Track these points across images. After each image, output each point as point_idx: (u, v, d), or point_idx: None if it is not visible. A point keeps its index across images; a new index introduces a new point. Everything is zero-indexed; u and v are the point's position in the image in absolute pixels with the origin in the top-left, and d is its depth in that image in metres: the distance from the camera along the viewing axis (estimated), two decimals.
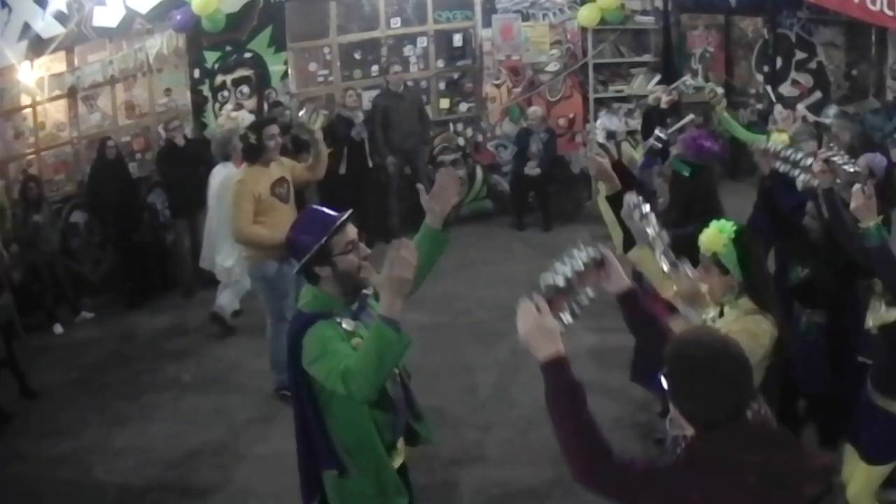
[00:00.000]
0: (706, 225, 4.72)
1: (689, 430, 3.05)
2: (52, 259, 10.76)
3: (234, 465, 7.35)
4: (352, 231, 4.26)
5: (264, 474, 7.07)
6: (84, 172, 11.61)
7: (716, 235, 4.56)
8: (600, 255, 3.62)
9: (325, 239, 4.15)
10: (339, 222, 4.21)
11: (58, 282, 10.85)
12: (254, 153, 7.97)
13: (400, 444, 4.58)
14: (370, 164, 12.62)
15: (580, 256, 3.56)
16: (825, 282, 5.86)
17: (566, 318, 3.42)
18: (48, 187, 11.32)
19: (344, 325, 4.15)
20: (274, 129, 8.14)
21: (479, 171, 14.02)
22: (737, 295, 4.56)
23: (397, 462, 4.52)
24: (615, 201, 5.47)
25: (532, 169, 13.09)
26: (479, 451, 7.24)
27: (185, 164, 11.28)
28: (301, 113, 8.29)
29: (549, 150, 13.25)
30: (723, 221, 4.65)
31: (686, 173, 5.91)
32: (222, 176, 9.58)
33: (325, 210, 4.37)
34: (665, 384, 3.02)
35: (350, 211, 4.33)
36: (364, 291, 4.33)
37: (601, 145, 8.14)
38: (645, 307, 3.90)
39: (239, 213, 7.82)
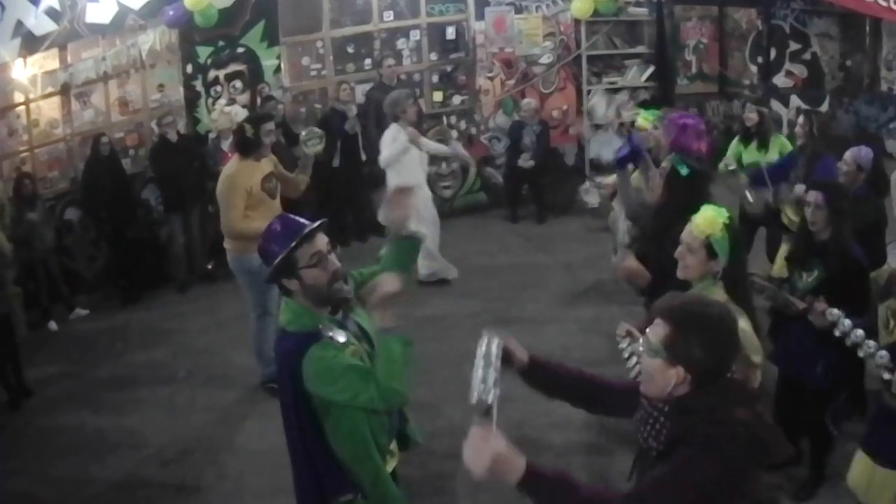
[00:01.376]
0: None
1: (683, 389, 3.14)
2: (47, 256, 10.74)
3: (230, 460, 7.38)
4: (321, 242, 4.16)
5: (260, 470, 7.07)
6: (78, 169, 11.58)
7: (713, 218, 4.64)
8: (501, 341, 3.74)
9: (287, 251, 4.07)
10: (304, 233, 4.12)
11: (52, 279, 10.83)
12: (248, 147, 7.93)
13: (393, 446, 4.55)
14: (364, 157, 12.61)
15: (494, 355, 3.66)
16: (836, 281, 5.76)
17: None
18: (42, 185, 11.26)
19: (336, 338, 4.11)
20: (271, 125, 8.16)
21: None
22: (714, 282, 4.61)
23: (391, 465, 4.50)
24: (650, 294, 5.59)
25: (526, 161, 13.08)
26: None
27: (179, 160, 11.30)
28: (303, 134, 8.34)
29: (543, 142, 13.25)
30: (716, 207, 4.72)
31: (683, 172, 5.91)
32: (390, 137, 10.05)
33: (296, 219, 4.29)
34: (660, 338, 3.14)
35: (321, 221, 4.26)
36: (345, 297, 4.25)
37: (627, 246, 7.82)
38: (551, 367, 3.99)
39: (231, 209, 7.82)
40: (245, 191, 7.78)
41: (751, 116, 9.58)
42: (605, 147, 13.96)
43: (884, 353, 4.99)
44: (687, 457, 3.04)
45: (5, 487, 7.27)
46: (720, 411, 3.06)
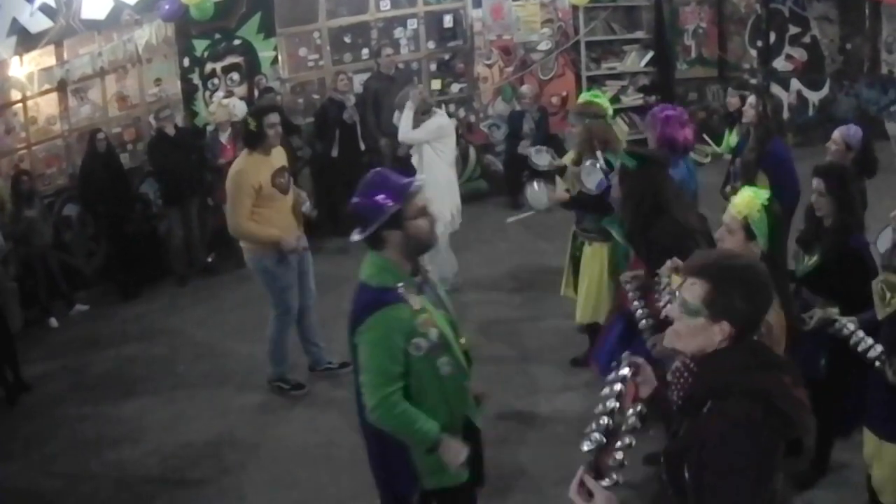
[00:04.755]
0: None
1: (725, 343, 3.17)
2: (46, 253, 10.73)
3: (230, 455, 7.35)
4: (422, 196, 4.33)
5: (260, 464, 7.07)
6: (76, 165, 11.56)
7: (751, 199, 4.67)
8: (633, 366, 3.52)
9: (401, 204, 4.20)
10: (414, 187, 4.27)
11: (51, 275, 10.81)
12: (253, 140, 7.75)
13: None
14: (362, 146, 12.58)
15: (613, 388, 3.45)
16: (837, 266, 5.70)
17: (614, 476, 3.36)
18: (40, 181, 11.25)
19: (411, 302, 4.22)
20: (275, 117, 7.91)
21: (472, 152, 13.96)
22: None
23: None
24: None
25: (525, 148, 13.03)
26: None
27: (177, 154, 11.29)
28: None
29: (542, 128, 13.21)
30: (756, 188, 4.74)
31: (631, 165, 5.88)
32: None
33: (394, 174, 4.43)
34: (699, 296, 3.15)
35: (422, 177, 4.46)
36: (425, 268, 4.47)
37: None
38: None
39: (238, 207, 7.69)
40: (253, 188, 7.61)
41: (732, 101, 9.44)
42: None
43: (879, 346, 4.97)
44: (714, 446, 3.06)
45: (4, 483, 7.28)
46: (744, 374, 3.10)
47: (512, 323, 9.26)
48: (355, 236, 4.34)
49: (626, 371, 3.48)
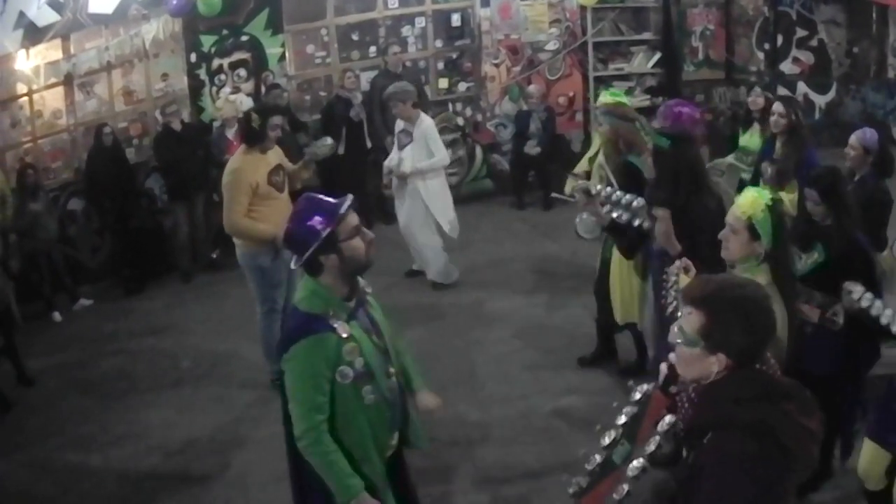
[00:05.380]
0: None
1: (723, 373, 3.08)
2: (50, 247, 10.73)
3: (233, 451, 7.33)
4: (354, 217, 4.25)
5: (263, 460, 7.02)
6: (81, 159, 11.55)
7: (755, 199, 4.66)
8: (662, 376, 3.47)
9: (333, 227, 4.13)
10: (344, 208, 4.19)
11: (56, 270, 10.82)
12: (253, 137, 7.79)
13: (394, 440, 4.59)
14: (369, 144, 12.57)
15: (627, 412, 3.42)
16: (838, 267, 5.68)
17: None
18: (45, 175, 11.26)
19: (339, 330, 4.16)
20: (279, 119, 8.04)
21: (478, 151, 13.96)
22: (759, 262, 4.59)
23: (388, 452, 4.55)
24: None
25: (532, 148, 13.05)
26: (480, 433, 7.20)
27: (183, 149, 11.28)
28: (319, 142, 8.29)
29: (549, 128, 13.22)
30: (759, 188, 4.75)
31: (664, 144, 5.90)
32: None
33: (324, 197, 4.34)
34: (696, 328, 3.06)
35: (351, 197, 4.31)
36: (364, 287, 4.40)
37: None
38: None
39: (234, 204, 7.68)
40: (250, 186, 7.64)
41: (757, 101, 9.39)
42: None
43: None
44: (713, 482, 2.98)
45: (6, 478, 7.26)
46: (742, 406, 2.99)
47: (518, 322, 9.23)
48: (293, 265, 4.32)
49: (647, 387, 3.44)
